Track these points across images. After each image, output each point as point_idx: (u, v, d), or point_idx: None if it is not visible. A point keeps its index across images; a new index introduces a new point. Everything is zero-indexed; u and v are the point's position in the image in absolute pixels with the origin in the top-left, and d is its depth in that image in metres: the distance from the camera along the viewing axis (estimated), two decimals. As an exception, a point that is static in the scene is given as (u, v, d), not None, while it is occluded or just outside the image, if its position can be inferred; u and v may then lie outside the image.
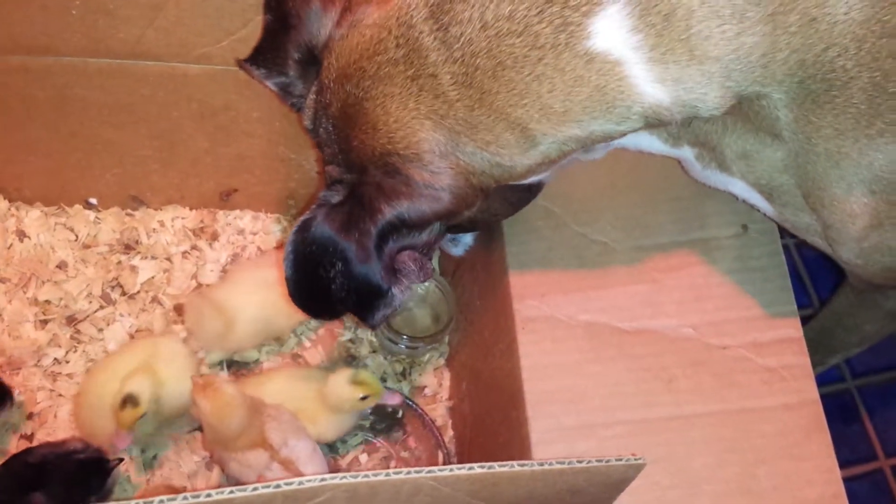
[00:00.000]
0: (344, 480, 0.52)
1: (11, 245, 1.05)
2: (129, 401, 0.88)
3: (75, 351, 1.01)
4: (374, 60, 0.65)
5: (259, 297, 0.99)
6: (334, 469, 0.99)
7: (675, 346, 0.80)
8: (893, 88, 0.58)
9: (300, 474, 0.88)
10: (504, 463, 0.53)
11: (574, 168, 0.80)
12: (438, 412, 1.04)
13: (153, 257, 1.07)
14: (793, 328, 0.81)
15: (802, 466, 0.77)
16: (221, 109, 0.94)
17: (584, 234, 0.85)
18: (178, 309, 1.05)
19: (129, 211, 1.09)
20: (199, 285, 1.06)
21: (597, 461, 0.55)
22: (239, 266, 1.07)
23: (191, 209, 1.10)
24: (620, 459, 0.55)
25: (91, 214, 1.08)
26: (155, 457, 0.97)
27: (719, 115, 0.62)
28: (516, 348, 0.81)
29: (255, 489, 0.51)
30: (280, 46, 0.73)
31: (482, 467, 0.53)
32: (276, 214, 1.12)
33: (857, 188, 0.64)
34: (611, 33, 0.58)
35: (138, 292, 1.05)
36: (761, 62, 0.58)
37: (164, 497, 0.50)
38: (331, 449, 1.00)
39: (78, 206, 1.08)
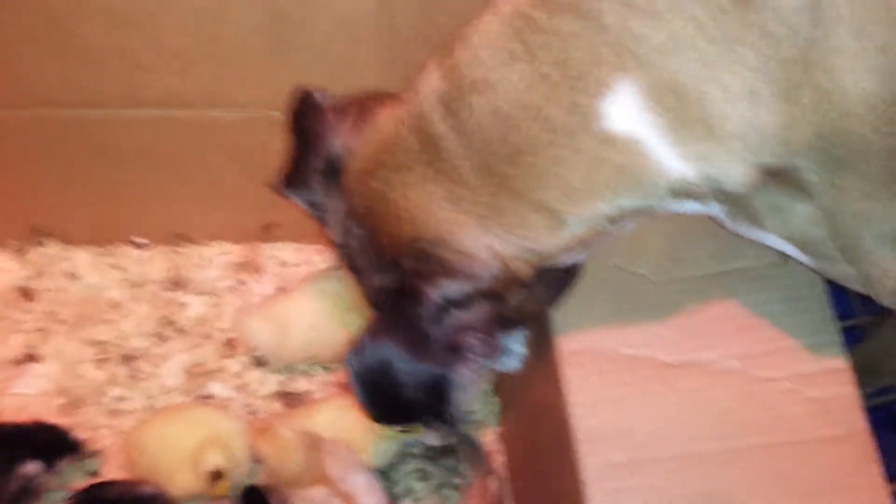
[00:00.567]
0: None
1: (65, 287, 1.09)
2: (215, 476, 0.92)
3: (134, 388, 1.04)
4: (392, 152, 0.67)
5: (313, 307, 1.01)
6: (389, 498, 1.01)
7: (720, 379, 0.80)
8: None
9: None
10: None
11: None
12: (488, 437, 1.05)
13: (202, 293, 1.10)
14: (838, 358, 0.80)
15: (852, 498, 0.76)
16: (256, 150, 0.95)
17: (623, 268, 0.85)
18: (230, 343, 1.08)
19: (175, 249, 1.12)
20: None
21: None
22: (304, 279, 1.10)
23: (234, 243, 1.13)
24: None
25: (139, 253, 1.11)
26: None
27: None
28: (562, 383, 0.81)
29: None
30: (304, 165, 0.77)
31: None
32: (317, 245, 1.13)
33: (887, 246, 0.63)
34: (625, 114, 0.58)
35: (190, 328, 1.08)
36: (781, 136, 0.58)
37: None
38: (384, 477, 1.02)
39: (125, 246, 1.11)
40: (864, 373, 0.92)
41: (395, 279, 0.68)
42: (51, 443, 0.96)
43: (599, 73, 0.58)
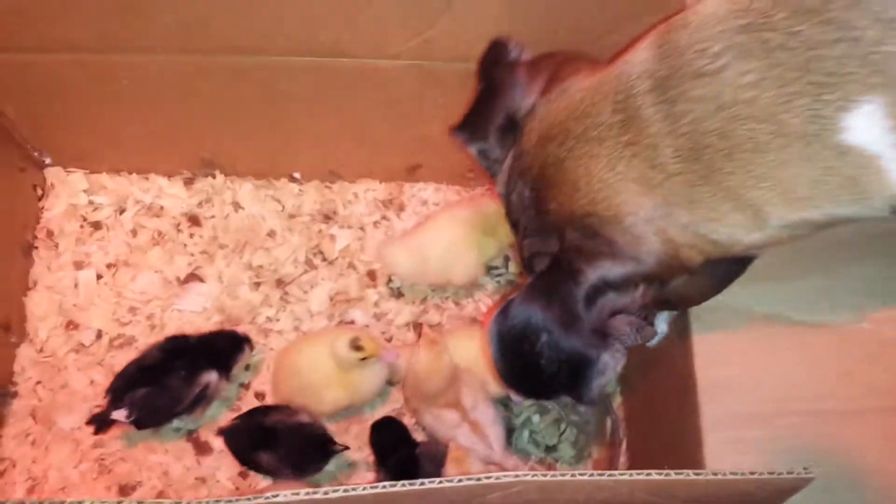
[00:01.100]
0: (536, 479, 0.59)
1: (228, 215, 1.18)
2: (355, 343, 1.00)
3: (284, 310, 1.14)
4: (583, 122, 0.65)
5: (449, 234, 1.08)
6: (509, 427, 1.08)
7: (850, 339, 0.81)
8: None
9: (485, 436, 0.98)
10: (680, 471, 0.59)
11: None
12: (608, 379, 1.09)
13: (349, 227, 1.18)
14: (973, 323, 0.80)
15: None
16: (407, 98, 1.01)
17: (762, 226, 0.86)
18: (371, 274, 1.16)
19: (327, 184, 1.20)
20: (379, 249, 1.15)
21: (769, 474, 0.59)
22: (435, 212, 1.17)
23: (380, 182, 1.20)
24: (791, 472, 0.59)
25: (295, 187, 1.20)
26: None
27: None
28: (689, 334, 0.84)
29: (460, 480, 0.59)
30: (485, 114, 0.77)
31: (659, 474, 0.59)
32: (456, 186, 1.20)
33: None
34: (867, 130, 0.56)
35: (336, 259, 1.16)
36: None
37: (382, 484, 0.59)
38: (505, 408, 1.09)
39: (284, 180, 1.20)
40: None
41: (555, 249, 0.68)
42: (226, 349, 1.06)
43: (847, 86, 0.55)
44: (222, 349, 1.05)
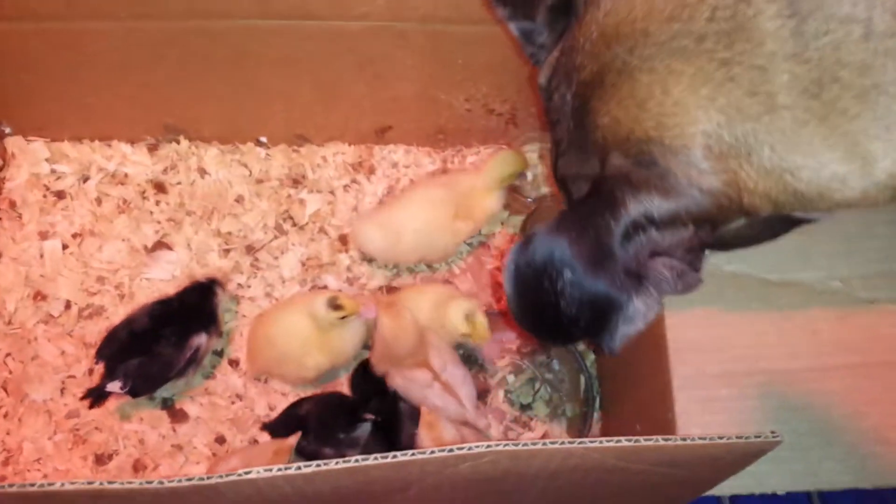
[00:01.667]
0: (507, 448, 0.59)
1: (194, 181, 1.16)
2: (334, 304, 0.98)
3: (255, 277, 1.13)
4: (669, 27, 0.54)
5: (423, 215, 1.06)
6: (484, 387, 1.09)
7: (821, 298, 0.82)
8: None
9: (457, 396, 0.99)
10: (649, 437, 0.59)
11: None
12: (582, 338, 1.10)
13: (318, 191, 1.16)
14: (945, 283, 0.81)
15: (943, 419, 0.79)
16: (378, 59, 0.99)
17: (733, 185, 0.86)
18: (342, 239, 1.15)
19: (294, 148, 1.18)
20: (359, 216, 1.15)
21: (737, 438, 0.59)
22: (409, 187, 1.15)
23: (350, 145, 1.18)
24: (759, 436, 0.60)
25: (262, 152, 1.18)
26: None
27: None
28: (660, 296, 0.85)
29: (432, 452, 0.59)
30: None
31: (629, 441, 0.59)
32: (427, 148, 1.18)
33: None
34: None
35: (307, 224, 1.15)
36: None
37: (355, 458, 0.59)
38: (481, 369, 1.10)
39: (250, 144, 1.18)
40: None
41: (596, 172, 0.58)
42: (207, 305, 1.05)
43: None
44: (204, 306, 1.05)
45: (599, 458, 0.62)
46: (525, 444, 0.59)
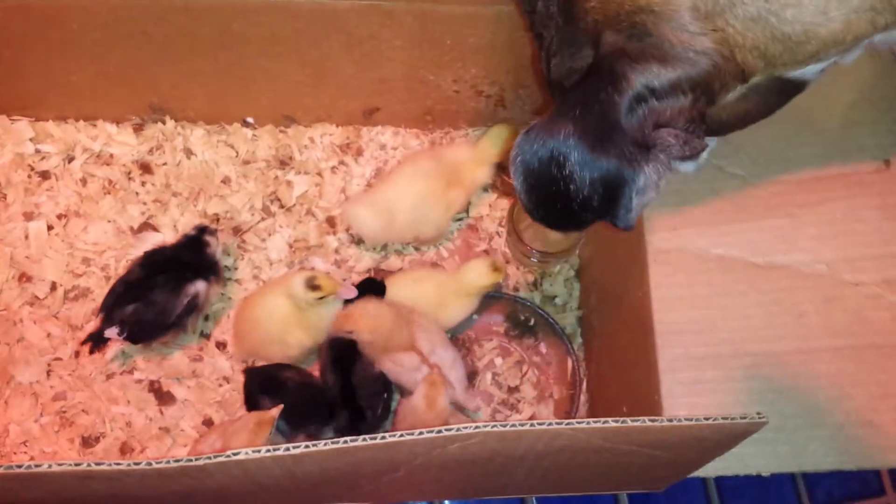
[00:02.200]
0: (495, 429, 0.60)
1: (180, 162, 1.15)
2: (311, 283, 0.98)
3: (242, 259, 1.12)
4: None
5: (415, 189, 1.06)
6: (472, 370, 1.09)
7: (807, 281, 0.82)
8: None
9: (446, 379, 0.99)
10: (636, 419, 0.59)
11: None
12: (568, 321, 1.11)
13: (306, 172, 1.15)
14: (929, 267, 0.82)
15: (926, 403, 0.79)
16: (366, 39, 0.98)
17: (721, 167, 0.86)
18: (330, 221, 1.14)
19: (282, 129, 1.17)
20: (347, 198, 1.14)
21: (723, 419, 0.60)
22: (398, 165, 1.14)
23: (337, 126, 1.17)
24: (745, 417, 0.60)
25: (248, 132, 1.17)
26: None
27: None
28: (647, 279, 0.85)
29: (420, 433, 0.60)
30: None
31: (616, 422, 0.59)
32: (415, 130, 1.17)
33: None
34: None
35: (294, 205, 1.14)
36: None
37: (344, 439, 0.59)
38: (469, 352, 1.10)
39: (236, 125, 1.16)
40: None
41: (590, 62, 0.58)
42: (204, 253, 1.05)
43: None
44: (199, 254, 1.04)
45: (586, 439, 0.62)
46: (513, 425, 0.60)
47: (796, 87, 0.64)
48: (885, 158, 0.84)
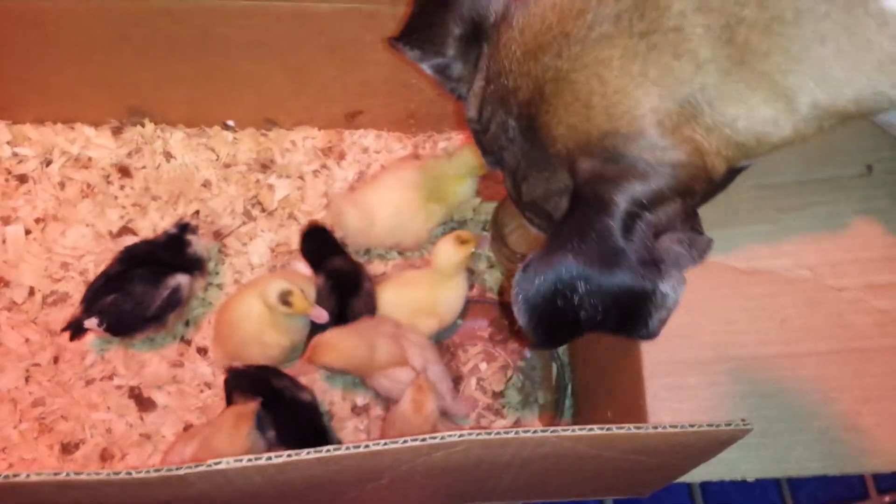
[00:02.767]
0: (479, 437, 0.59)
1: (160, 165, 1.14)
2: (285, 300, 0.97)
3: (223, 263, 1.11)
4: (583, 19, 0.54)
5: (397, 196, 1.05)
6: (456, 375, 1.08)
7: (790, 286, 0.82)
8: None
9: (437, 391, 0.98)
10: (621, 426, 0.59)
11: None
12: (553, 325, 1.10)
13: (287, 176, 1.14)
14: (910, 272, 0.82)
15: (907, 407, 0.80)
16: (348, 42, 0.98)
17: (704, 173, 0.86)
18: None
19: (263, 132, 1.16)
20: (329, 203, 1.13)
21: (707, 426, 0.60)
22: (383, 170, 1.14)
23: (319, 129, 1.16)
24: (730, 424, 0.60)
25: (229, 135, 1.16)
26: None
27: None
28: (632, 282, 0.85)
29: (405, 441, 0.59)
30: (437, 22, 0.64)
31: (601, 429, 0.59)
32: (397, 133, 1.17)
33: None
34: None
35: (276, 209, 1.13)
36: None
37: (327, 448, 0.59)
38: (454, 357, 1.09)
39: (217, 128, 1.15)
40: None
41: (564, 185, 0.58)
42: (184, 246, 1.04)
43: None
44: (180, 249, 1.04)
45: (572, 446, 0.62)
46: (498, 433, 0.59)
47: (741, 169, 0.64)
48: (868, 164, 0.84)
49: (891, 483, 1.14)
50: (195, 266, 1.04)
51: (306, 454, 0.58)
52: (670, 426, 0.59)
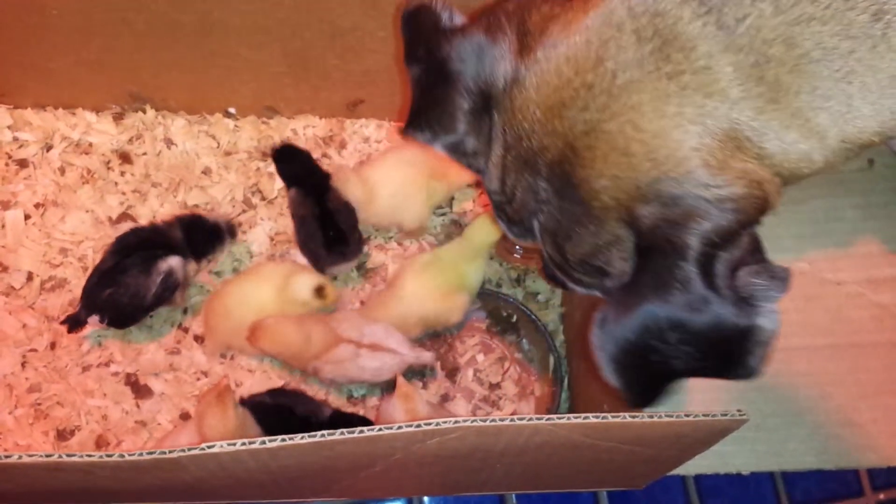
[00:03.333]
0: (475, 424, 0.59)
1: (160, 152, 1.14)
2: (319, 291, 0.99)
3: (222, 251, 1.11)
4: (604, 68, 0.53)
5: (398, 174, 1.05)
6: (453, 366, 1.08)
7: (788, 279, 0.82)
8: None
9: (388, 348, 0.98)
10: (616, 414, 0.59)
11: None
12: (550, 317, 1.10)
13: (288, 164, 1.14)
14: (910, 267, 0.82)
15: (904, 402, 0.80)
16: (349, 30, 0.97)
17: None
18: (313, 215, 1.13)
19: (264, 120, 1.16)
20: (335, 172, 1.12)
21: (703, 415, 0.59)
22: (387, 149, 1.14)
23: (320, 118, 1.16)
24: (725, 414, 0.60)
25: (230, 123, 1.15)
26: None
27: None
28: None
29: (399, 427, 0.59)
30: (442, 98, 0.62)
31: (596, 417, 0.59)
32: (399, 122, 1.16)
33: None
34: None
35: (276, 197, 1.13)
36: None
37: (321, 433, 0.59)
38: (451, 348, 1.09)
39: (218, 115, 1.15)
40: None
41: (617, 235, 0.56)
42: (173, 234, 1.04)
43: None
44: (168, 234, 1.03)
45: (566, 435, 0.62)
46: (492, 420, 0.59)
47: None
48: (870, 158, 0.84)
49: (885, 480, 1.14)
50: (186, 247, 1.03)
51: (300, 438, 0.58)
52: (665, 415, 0.59)
